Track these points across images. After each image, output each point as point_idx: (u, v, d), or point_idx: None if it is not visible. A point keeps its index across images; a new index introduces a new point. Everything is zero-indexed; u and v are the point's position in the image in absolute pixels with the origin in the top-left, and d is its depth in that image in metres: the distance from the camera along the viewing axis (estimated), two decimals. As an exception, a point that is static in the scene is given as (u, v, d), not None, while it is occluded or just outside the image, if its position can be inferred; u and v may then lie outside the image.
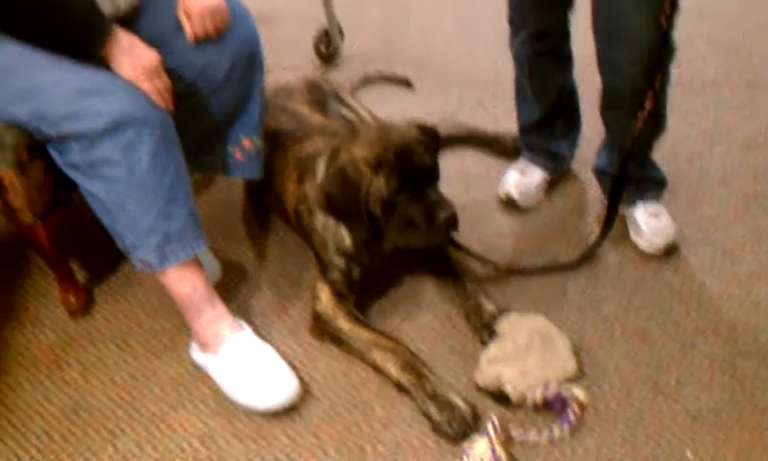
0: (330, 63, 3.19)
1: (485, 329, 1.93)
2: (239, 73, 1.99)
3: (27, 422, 1.82)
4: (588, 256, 2.18)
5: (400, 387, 1.83)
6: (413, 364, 1.83)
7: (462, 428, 1.71)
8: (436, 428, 1.74)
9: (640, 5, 1.91)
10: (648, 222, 2.21)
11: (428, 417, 1.76)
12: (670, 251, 2.20)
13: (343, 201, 1.85)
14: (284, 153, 2.15)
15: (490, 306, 1.97)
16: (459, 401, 1.75)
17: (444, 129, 2.62)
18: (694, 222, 2.32)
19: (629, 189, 2.20)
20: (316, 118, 2.29)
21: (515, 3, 2.19)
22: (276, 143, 2.18)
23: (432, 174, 1.90)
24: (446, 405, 1.74)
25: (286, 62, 3.13)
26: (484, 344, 1.90)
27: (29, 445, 1.77)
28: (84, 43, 1.69)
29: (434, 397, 1.76)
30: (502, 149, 2.60)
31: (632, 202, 2.24)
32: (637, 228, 2.22)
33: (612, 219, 2.18)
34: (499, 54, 3.06)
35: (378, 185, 1.82)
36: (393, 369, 1.84)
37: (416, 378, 1.80)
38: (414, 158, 1.84)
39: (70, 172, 1.77)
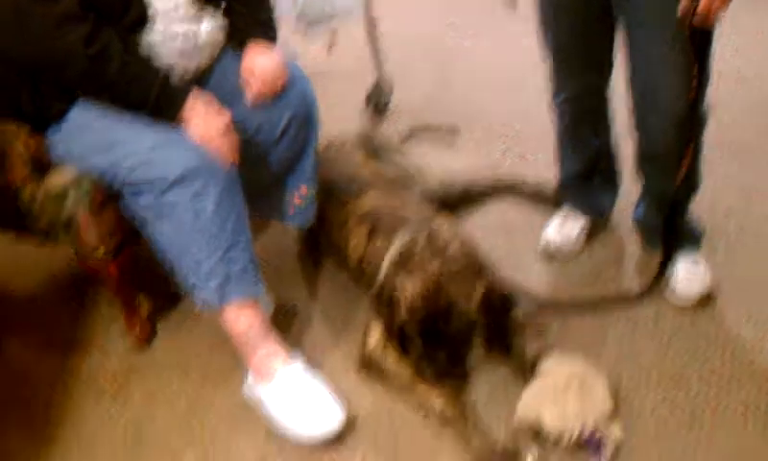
0: (380, 117, 3.33)
1: (528, 369, 2.01)
2: (295, 130, 2.13)
3: (93, 443, 1.95)
4: (640, 299, 2.25)
5: (443, 419, 1.92)
6: (455, 398, 1.92)
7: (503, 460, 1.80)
8: (478, 459, 1.82)
9: (671, 77, 1.98)
10: (688, 269, 2.27)
11: (470, 448, 1.84)
12: (705, 300, 2.26)
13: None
14: (341, 204, 2.27)
15: (532, 347, 2.05)
16: (499, 437, 1.83)
17: (487, 180, 2.75)
18: (732, 274, 2.36)
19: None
20: (368, 170, 2.42)
21: (552, 66, 2.28)
22: (331, 194, 2.31)
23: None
24: (488, 440, 1.83)
25: (337, 114, 3.28)
26: (526, 383, 1.97)
27: (95, 466, 1.90)
28: (163, 109, 1.86)
29: (476, 431, 1.85)
30: (544, 200, 2.69)
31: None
32: (674, 281, 2.28)
33: (665, 267, 2.26)
34: (543, 109, 3.18)
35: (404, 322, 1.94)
36: (436, 402, 1.93)
37: (459, 411, 1.89)
38: (446, 320, 1.92)
39: (139, 214, 1.92)
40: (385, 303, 1.99)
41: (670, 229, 2.22)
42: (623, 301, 2.26)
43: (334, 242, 2.28)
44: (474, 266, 1.99)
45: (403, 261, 2.02)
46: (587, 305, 2.24)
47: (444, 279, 1.94)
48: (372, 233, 2.15)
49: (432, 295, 1.92)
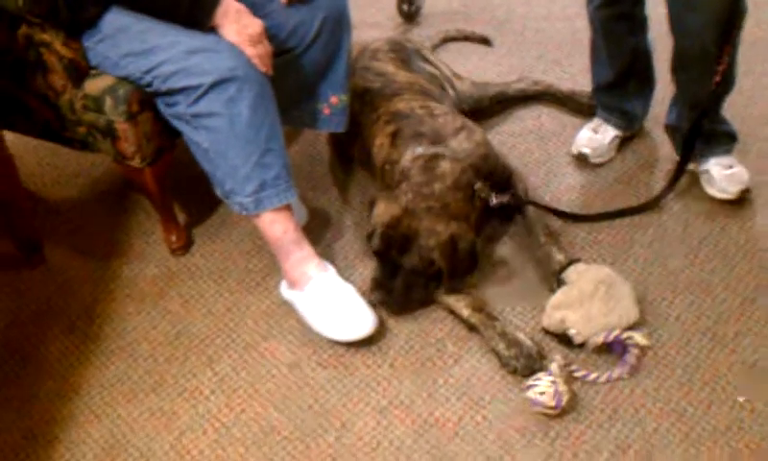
0: (412, 22, 3.29)
1: (553, 278, 2.05)
2: (328, 33, 2.13)
3: (135, 346, 2.03)
4: (654, 204, 2.28)
5: (471, 327, 1.97)
6: (483, 306, 1.98)
7: (529, 363, 1.85)
8: (505, 364, 1.88)
9: None
10: (721, 173, 2.28)
11: (497, 353, 1.90)
12: (743, 196, 2.27)
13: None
14: (374, 108, 2.28)
15: (559, 256, 2.07)
16: (526, 339, 1.89)
17: (521, 85, 2.74)
18: (764, 182, 2.35)
19: (700, 145, 2.27)
20: (402, 76, 2.42)
21: (590, -32, 2.25)
22: (364, 100, 2.33)
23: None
24: (514, 343, 1.89)
25: (369, 20, 3.26)
26: (552, 291, 2.01)
27: (137, 366, 1.98)
28: (195, 14, 1.88)
29: (503, 335, 1.90)
30: (577, 107, 2.68)
31: (703, 156, 2.31)
32: (711, 179, 2.29)
33: (682, 169, 2.27)
34: (576, 14, 3.13)
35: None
36: (464, 310, 1.98)
37: (486, 318, 1.95)
38: (403, 251, 1.98)
39: (176, 122, 1.96)
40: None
41: (695, 130, 2.21)
42: (643, 209, 2.28)
43: (366, 145, 2.30)
44: (455, 208, 2.01)
45: (398, 181, 2.07)
46: (609, 216, 2.26)
47: (412, 212, 1.98)
48: (395, 136, 2.18)
49: (395, 224, 1.98)
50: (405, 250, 1.98)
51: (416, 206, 1.99)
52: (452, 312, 2.02)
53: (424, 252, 1.96)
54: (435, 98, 2.37)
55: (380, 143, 2.22)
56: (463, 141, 2.13)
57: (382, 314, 2.03)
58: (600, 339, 1.86)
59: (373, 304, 2.00)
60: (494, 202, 2.08)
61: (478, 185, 2.06)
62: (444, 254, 1.96)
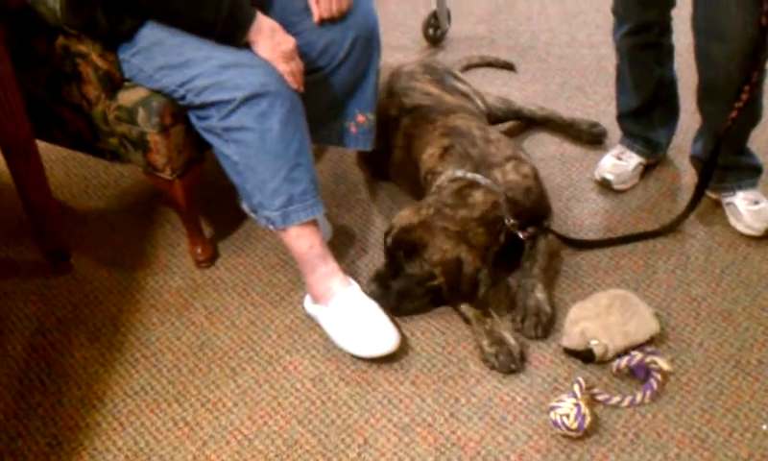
0: (437, 46, 3.33)
1: (522, 311, 2.05)
2: (358, 52, 2.16)
3: (159, 356, 2.05)
4: (671, 228, 2.29)
5: (466, 320, 2.03)
6: (481, 305, 2.02)
7: (506, 361, 1.92)
8: (484, 359, 1.95)
9: (740, 4, 1.96)
10: (748, 208, 2.28)
11: (480, 348, 1.96)
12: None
13: None
14: (430, 121, 2.31)
15: (540, 295, 2.05)
16: (510, 339, 1.95)
17: (532, 108, 2.79)
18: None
19: (727, 177, 2.29)
20: (447, 97, 2.45)
21: (617, -1, 2.28)
22: (416, 115, 2.36)
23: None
24: (498, 341, 1.94)
25: (394, 43, 3.31)
26: (513, 322, 2.04)
27: (160, 376, 2.00)
28: (231, 31, 1.91)
29: (490, 332, 1.96)
30: (576, 134, 2.72)
31: (730, 189, 2.31)
32: (737, 213, 2.30)
33: (699, 197, 2.27)
34: (601, 41, 3.17)
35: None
36: (463, 305, 2.03)
37: (481, 314, 2.00)
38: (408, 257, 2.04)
39: (207, 135, 1.99)
40: None
41: (714, 159, 2.21)
42: (652, 235, 2.29)
43: (413, 155, 2.31)
44: (473, 238, 2.02)
45: (432, 194, 2.11)
46: (620, 241, 2.28)
47: (428, 226, 2.02)
48: (446, 150, 2.20)
49: (409, 229, 2.03)
50: (411, 255, 2.02)
51: (433, 223, 2.02)
52: (456, 309, 2.08)
53: (427, 264, 2.00)
54: (480, 117, 2.41)
55: (431, 153, 2.23)
56: (509, 172, 2.14)
57: (405, 332, 2.05)
58: (623, 363, 1.87)
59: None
60: (522, 237, 2.09)
61: (509, 222, 2.07)
62: (445, 271, 1.99)
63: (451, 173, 2.12)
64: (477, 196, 2.06)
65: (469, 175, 2.10)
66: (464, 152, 2.16)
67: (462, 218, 2.03)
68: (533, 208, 2.16)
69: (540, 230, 2.18)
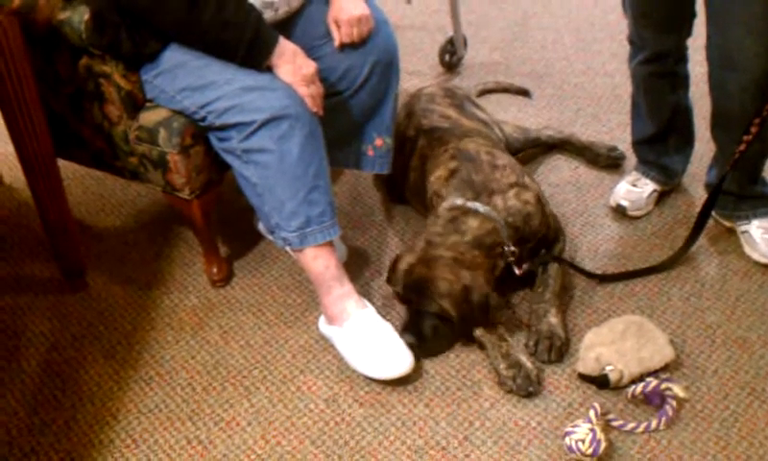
0: (453, 71, 3.36)
1: (535, 336, 2.05)
2: (377, 77, 2.18)
3: (173, 374, 2.06)
4: (677, 259, 2.28)
5: (480, 345, 2.02)
6: (497, 328, 2.02)
7: (525, 384, 1.91)
8: (501, 383, 1.94)
9: (753, 36, 1.98)
10: (763, 236, 2.28)
11: (496, 372, 1.96)
12: None
13: None
14: (443, 143, 2.31)
15: (553, 319, 2.06)
16: (527, 362, 1.94)
17: (550, 132, 2.81)
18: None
19: (742, 205, 2.29)
20: (465, 121, 2.46)
21: (635, 25, 2.28)
22: (432, 137, 2.36)
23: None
24: (515, 364, 1.94)
25: (410, 68, 3.33)
26: (526, 347, 2.04)
27: (174, 394, 2.00)
28: (253, 55, 1.93)
29: (506, 355, 1.95)
30: (593, 157, 2.72)
31: (745, 218, 2.32)
32: (752, 241, 2.29)
33: (702, 224, 2.27)
34: (616, 70, 3.19)
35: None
36: (478, 329, 2.02)
37: (496, 339, 1.99)
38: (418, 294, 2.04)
39: (227, 156, 2.01)
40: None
41: (716, 193, 2.22)
42: (652, 271, 2.27)
43: (425, 175, 2.31)
44: (470, 260, 2.02)
45: (429, 224, 2.12)
46: (631, 275, 2.27)
47: (424, 261, 2.03)
48: (452, 173, 2.19)
49: (410, 271, 2.04)
50: (423, 296, 2.01)
51: (428, 256, 2.03)
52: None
53: (437, 298, 1.99)
54: (496, 144, 2.41)
55: (438, 175, 2.23)
56: (510, 198, 2.12)
57: (419, 354, 2.05)
58: (639, 389, 1.86)
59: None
60: (518, 273, 2.10)
61: (508, 249, 2.07)
62: (454, 303, 1.98)
63: (450, 202, 2.12)
64: (471, 223, 2.06)
65: (469, 203, 2.09)
66: (467, 177, 2.15)
67: (453, 243, 2.03)
68: (536, 234, 2.16)
69: (551, 256, 2.18)
